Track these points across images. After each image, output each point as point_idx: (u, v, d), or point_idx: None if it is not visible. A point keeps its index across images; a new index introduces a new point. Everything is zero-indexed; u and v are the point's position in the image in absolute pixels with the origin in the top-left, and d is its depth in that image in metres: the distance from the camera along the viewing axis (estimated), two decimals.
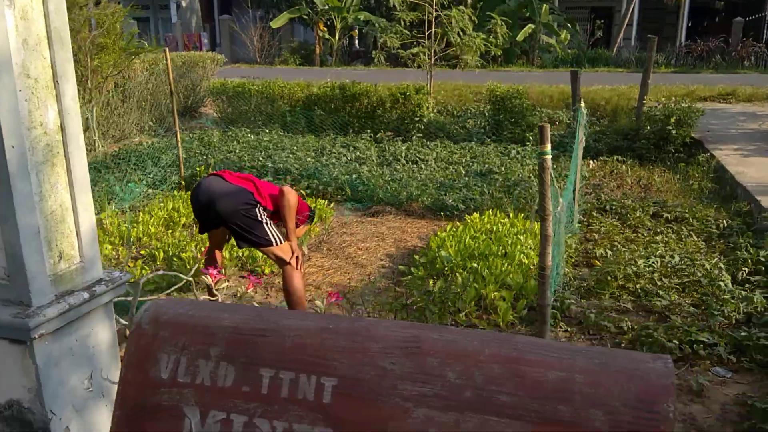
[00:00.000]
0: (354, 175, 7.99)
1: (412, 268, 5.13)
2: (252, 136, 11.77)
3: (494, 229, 5.94)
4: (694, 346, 3.91)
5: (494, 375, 1.14)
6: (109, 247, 5.70)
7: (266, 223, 3.88)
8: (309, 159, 9.46)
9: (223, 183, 3.82)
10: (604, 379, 1.11)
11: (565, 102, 12.67)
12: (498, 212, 6.56)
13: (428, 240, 6.02)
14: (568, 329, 4.28)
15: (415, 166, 9.20)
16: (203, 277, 2.47)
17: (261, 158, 9.45)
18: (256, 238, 3.81)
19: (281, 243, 3.92)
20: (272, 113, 14.35)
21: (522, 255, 5.18)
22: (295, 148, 10.48)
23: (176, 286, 2.65)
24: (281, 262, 3.97)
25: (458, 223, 6.29)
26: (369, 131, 11.86)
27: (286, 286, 3.96)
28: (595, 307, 4.55)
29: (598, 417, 1.08)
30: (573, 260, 5.60)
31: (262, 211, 3.87)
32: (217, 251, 4.31)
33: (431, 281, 4.97)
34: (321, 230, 6.54)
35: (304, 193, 7.72)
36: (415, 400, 1.15)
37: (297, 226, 4.14)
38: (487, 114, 12.19)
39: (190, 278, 2.49)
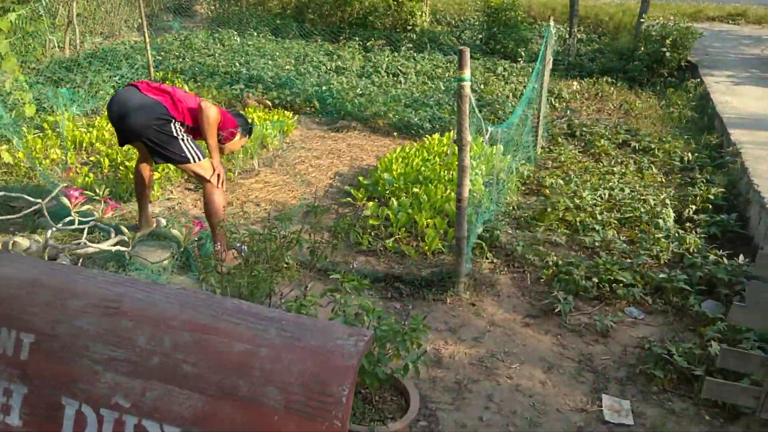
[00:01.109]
0: (324, 87, 7.76)
1: (352, 190, 5.09)
2: (238, 39, 11.37)
3: (449, 152, 5.80)
4: (613, 285, 3.90)
5: (182, 342, 1.12)
6: (59, 151, 5.68)
7: (182, 139, 3.79)
8: (288, 67, 9.17)
9: (137, 95, 3.69)
10: (287, 355, 1.08)
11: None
12: None
13: None
14: (494, 260, 4.28)
15: (394, 79, 8.91)
16: (62, 198, 2.42)
17: (237, 64, 9.18)
18: (171, 155, 3.74)
19: (200, 160, 3.85)
20: (263, 16, 13.82)
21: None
22: (277, 54, 10.14)
23: (27, 211, 2.59)
24: (201, 179, 3.92)
25: (415, 144, 6.16)
26: (359, 39, 11.40)
27: (206, 206, 3.93)
28: (528, 239, 4.52)
29: (273, 395, 1.05)
30: (524, 188, 5.51)
31: (178, 127, 3.77)
32: (145, 164, 4.25)
33: (370, 204, 4.93)
34: (280, 144, 6.45)
35: (270, 104, 7.55)
36: (105, 363, 1.14)
37: (221, 142, 4.05)
38: (480, 27, 11.62)
39: (39, 201, 2.45)
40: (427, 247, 4.29)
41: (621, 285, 3.89)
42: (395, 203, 4.69)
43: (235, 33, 11.95)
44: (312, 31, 12.43)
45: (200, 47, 10.52)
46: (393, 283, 3.96)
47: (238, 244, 4.18)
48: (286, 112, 7.20)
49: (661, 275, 3.92)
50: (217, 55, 9.93)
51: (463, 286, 3.89)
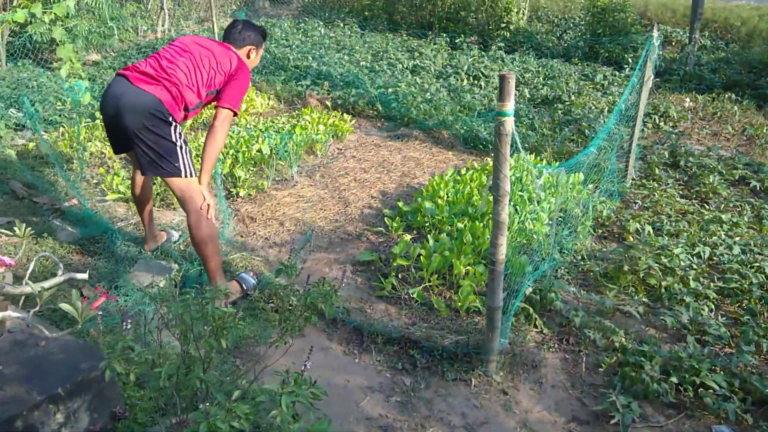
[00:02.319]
0: (390, 89, 7.03)
1: (386, 218, 4.34)
2: (321, 30, 10.88)
3: (515, 178, 4.90)
4: (700, 390, 2.92)
5: None
6: (99, 144, 5.37)
7: (180, 147, 3.19)
8: (363, 63, 8.53)
9: (129, 89, 3.10)
10: None
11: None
12: (534, 155, 5.45)
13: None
14: (544, 331, 3.39)
15: (474, 82, 8.02)
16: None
17: (310, 57, 8.64)
18: (162, 162, 3.12)
19: (192, 176, 3.26)
20: (353, 5, 13.29)
21: (529, 220, 4.19)
22: (357, 48, 9.52)
23: None
24: (185, 203, 3.31)
25: (475, 164, 5.29)
26: (447, 35, 10.55)
27: (195, 235, 3.24)
28: (592, 305, 3.58)
29: None
30: (601, 231, 4.52)
31: (178, 132, 3.17)
32: (146, 179, 3.72)
33: (406, 236, 4.17)
34: (329, 151, 5.81)
35: (330, 104, 6.94)
36: None
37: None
38: (585, 27, 10.38)
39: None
40: (459, 303, 3.48)
41: (711, 392, 2.89)
42: (431, 241, 3.90)
43: (321, 23, 11.47)
44: (400, 24, 11.73)
45: (279, 37, 10.11)
46: (408, 349, 3.20)
47: (248, 274, 3.59)
48: (345, 115, 6.55)
49: None
50: (294, 46, 9.46)
51: (495, 365, 3.06)
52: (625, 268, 3.81)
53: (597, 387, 3.03)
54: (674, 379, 2.95)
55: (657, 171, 5.48)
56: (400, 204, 4.49)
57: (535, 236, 4.06)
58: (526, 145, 5.90)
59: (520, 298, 3.36)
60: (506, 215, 2.72)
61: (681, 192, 5.15)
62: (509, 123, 2.49)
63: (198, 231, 3.23)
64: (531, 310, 3.41)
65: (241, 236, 4.25)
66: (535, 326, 3.41)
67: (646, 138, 6.43)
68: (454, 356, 3.12)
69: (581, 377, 3.09)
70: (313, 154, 5.74)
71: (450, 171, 4.90)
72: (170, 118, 3.10)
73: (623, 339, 3.25)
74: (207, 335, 1.99)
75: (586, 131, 6.10)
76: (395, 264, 3.80)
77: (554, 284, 3.59)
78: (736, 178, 5.49)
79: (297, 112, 6.59)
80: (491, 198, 2.65)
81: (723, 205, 4.93)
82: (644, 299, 3.66)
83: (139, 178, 3.66)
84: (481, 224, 4.06)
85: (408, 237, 4.20)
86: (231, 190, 4.80)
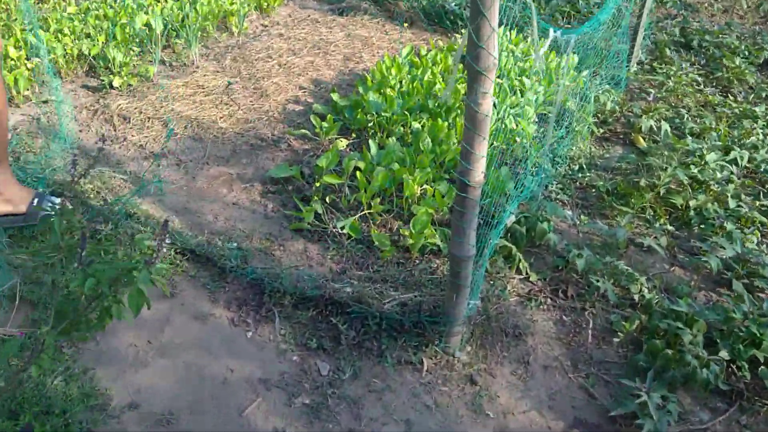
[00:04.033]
0: None
1: (313, 117, 3.12)
2: None
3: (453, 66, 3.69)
4: (761, 369, 1.96)
5: None
6: None
7: None
8: None
9: None
10: None
11: None
12: (512, 30, 4.19)
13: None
14: (532, 279, 2.35)
15: None
16: None
17: None
18: None
19: None
20: None
21: (511, 117, 3.04)
22: None
23: None
24: None
25: (442, 41, 4.02)
26: None
27: None
28: (600, 238, 2.54)
29: None
30: (604, 131, 3.41)
31: None
32: None
33: (339, 142, 2.99)
34: (251, 28, 4.43)
35: None
36: None
37: None
38: None
39: None
40: (411, 241, 2.39)
41: None
42: (373, 148, 2.74)
43: None
44: None
45: None
46: (329, 315, 2.13)
47: (43, 191, 2.44)
48: None
49: None
50: None
51: (459, 338, 2.03)
52: (642, 182, 2.74)
53: (610, 367, 2.04)
54: (725, 354, 1.97)
55: (667, 52, 4.31)
56: (335, 97, 3.25)
57: (518, 139, 2.94)
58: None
59: (499, 233, 2.27)
60: (489, 105, 1.58)
61: (699, 78, 4.02)
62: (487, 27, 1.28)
63: None
64: (513, 248, 2.34)
65: (104, 142, 3.00)
66: (519, 271, 2.37)
67: (652, 12, 5.18)
68: (398, 326, 2.07)
69: (587, 351, 2.09)
70: (227, 31, 4.36)
71: (405, 50, 3.63)
72: None
73: (645, 289, 2.24)
74: None
75: (580, 2, 4.81)
76: (322, 182, 2.65)
77: (546, 208, 2.51)
78: (762, 61, 4.38)
79: None
80: (461, 83, 1.47)
81: (753, 95, 3.84)
82: (668, 226, 2.63)
83: None
84: (445, 123, 2.90)
85: (343, 142, 3.02)
86: (102, 78, 3.47)
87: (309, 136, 3.09)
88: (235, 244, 2.44)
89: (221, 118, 3.26)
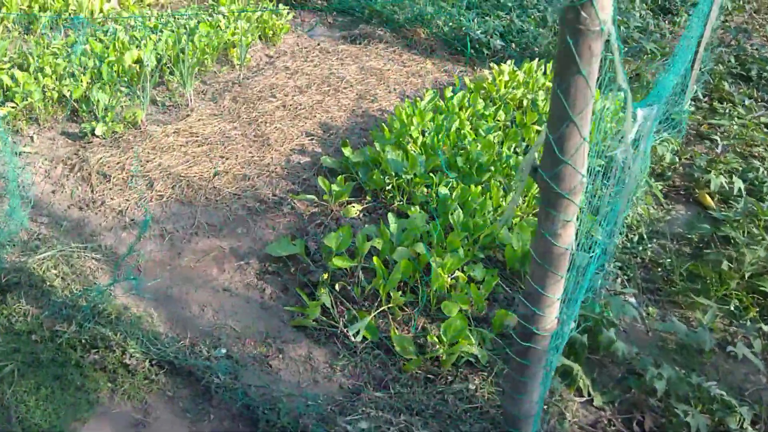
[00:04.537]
0: None
1: (321, 179, 2.65)
2: None
3: (529, 101, 3.22)
4: None
5: None
6: None
7: None
8: None
9: None
10: None
11: None
12: (551, 63, 3.71)
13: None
14: (597, 403, 1.85)
15: None
16: None
17: None
18: None
19: None
20: None
21: None
22: None
23: None
24: None
25: (466, 80, 3.55)
26: None
27: None
28: (672, 339, 2.04)
29: None
30: (661, 186, 2.91)
31: None
32: None
33: (351, 208, 2.53)
34: (255, 61, 4.00)
35: None
36: None
37: None
38: None
39: None
40: (442, 351, 1.91)
41: None
42: (393, 223, 2.27)
43: None
44: None
45: None
46: None
47: None
48: (282, 5, 4.65)
49: None
50: None
51: None
52: (724, 265, 2.24)
53: None
54: None
55: (725, 85, 3.80)
56: (347, 151, 2.78)
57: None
58: (535, 48, 4.14)
59: (559, 350, 1.78)
60: (571, 236, 1.11)
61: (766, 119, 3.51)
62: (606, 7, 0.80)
63: None
64: (575, 367, 1.85)
65: (80, 207, 2.56)
66: (579, 391, 1.87)
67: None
68: None
69: None
70: (227, 63, 3.93)
71: (428, 95, 3.15)
72: None
73: (746, 422, 1.74)
74: None
75: (631, 42, 4.31)
76: (331, 265, 2.18)
77: (611, 307, 2.01)
78: None
79: (212, 1, 4.67)
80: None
81: None
82: (762, 325, 2.12)
83: None
84: (479, 188, 2.42)
85: (356, 209, 2.55)
86: (83, 124, 3.03)
87: (316, 201, 2.62)
88: (224, 351, 1.97)
89: (207, 172, 2.80)
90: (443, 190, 2.45)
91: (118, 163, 2.82)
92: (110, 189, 2.67)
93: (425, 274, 2.20)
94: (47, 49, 3.53)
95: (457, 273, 2.14)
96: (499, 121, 3.12)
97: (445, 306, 2.01)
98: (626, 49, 4.08)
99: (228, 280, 2.29)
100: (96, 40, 3.61)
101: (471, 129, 2.95)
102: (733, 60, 4.16)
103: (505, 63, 3.68)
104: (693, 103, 3.62)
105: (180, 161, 2.87)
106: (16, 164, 2.35)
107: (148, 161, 2.84)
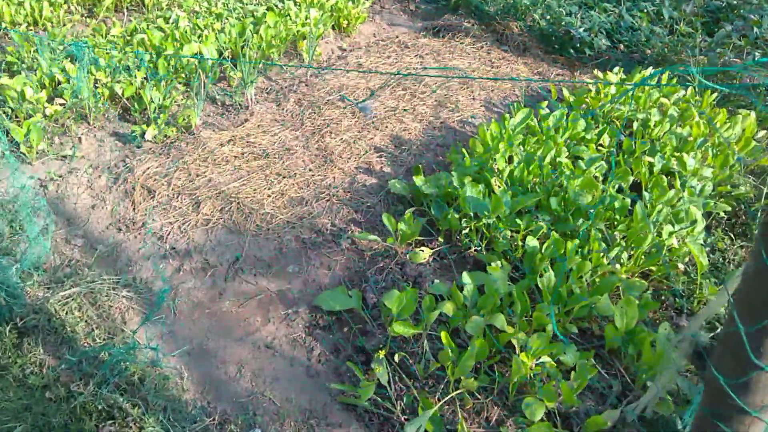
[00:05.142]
0: None
1: (386, 216, 2.26)
2: None
3: (639, 123, 2.71)
4: None
5: None
6: None
7: None
8: None
9: None
10: None
11: None
12: (667, 74, 3.14)
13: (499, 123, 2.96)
14: None
15: None
16: None
17: None
18: None
19: None
20: None
21: (673, 233, 2.08)
22: None
23: None
24: None
25: (565, 92, 3.04)
26: None
27: None
28: None
29: None
30: None
31: None
32: None
33: (420, 253, 2.15)
34: (326, 53, 3.65)
35: None
36: None
37: None
38: None
39: None
40: None
41: None
42: (469, 283, 1.88)
43: None
44: None
45: None
46: None
47: None
48: None
49: None
50: None
51: None
52: None
53: None
54: None
55: None
56: (419, 181, 2.38)
57: (680, 266, 1.98)
58: (635, 49, 3.55)
59: None
60: None
61: None
62: None
63: None
64: None
65: (119, 228, 2.31)
66: None
67: None
68: None
69: None
70: (297, 56, 3.59)
71: (520, 114, 2.68)
72: None
73: None
74: None
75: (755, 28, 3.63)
76: (391, 331, 1.82)
77: None
78: None
79: None
80: None
81: None
82: None
83: None
84: (575, 242, 1.98)
85: (425, 253, 2.17)
86: (134, 127, 2.78)
87: (378, 240, 2.25)
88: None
89: (269, 196, 2.49)
90: (532, 242, 2.02)
91: (165, 176, 2.55)
92: (153, 207, 2.40)
93: (504, 352, 1.80)
94: (104, 37, 3.30)
95: (544, 359, 1.73)
96: (602, 147, 2.63)
97: (527, 406, 1.61)
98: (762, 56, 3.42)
99: (272, 333, 1.97)
100: (155, 28, 3.35)
101: (568, 157, 2.49)
102: None
103: (611, 70, 3.14)
104: None
105: (232, 177, 2.57)
106: (27, 189, 2.10)
107: (197, 175, 2.56)
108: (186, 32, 3.28)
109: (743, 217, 2.51)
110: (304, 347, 1.94)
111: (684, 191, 2.34)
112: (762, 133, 2.84)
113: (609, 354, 1.90)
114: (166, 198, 2.45)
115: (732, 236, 2.40)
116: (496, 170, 2.35)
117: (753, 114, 2.86)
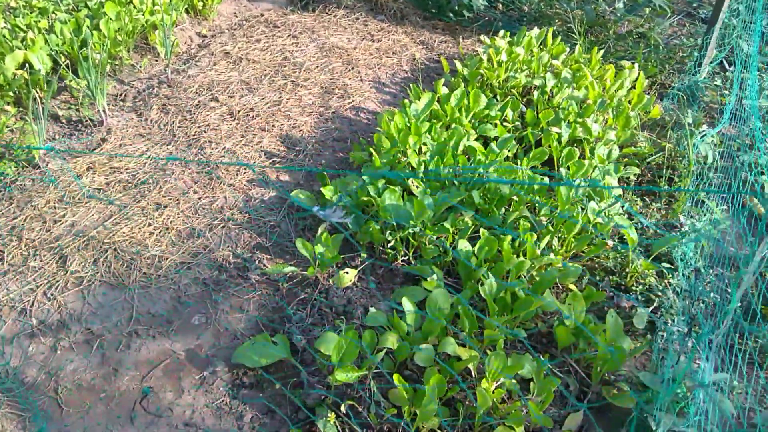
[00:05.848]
0: None
1: (299, 241, 1.98)
2: None
3: (538, 90, 2.61)
4: None
5: None
6: None
7: None
8: None
9: None
10: None
11: None
12: (556, 34, 3.06)
13: (396, 104, 2.73)
14: None
15: None
16: None
17: None
18: None
19: None
20: None
21: (600, 211, 2.00)
22: None
23: None
24: None
25: (457, 64, 2.86)
26: None
27: None
28: None
29: None
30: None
31: None
32: None
33: (344, 276, 1.91)
34: (184, 45, 3.18)
35: None
36: None
37: None
38: None
39: None
40: None
41: None
42: (410, 310, 1.67)
43: None
44: None
45: None
46: None
47: None
48: None
49: None
50: None
51: None
52: None
53: None
54: None
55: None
56: (327, 193, 2.10)
57: (609, 242, 1.92)
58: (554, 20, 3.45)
59: None
60: None
61: None
62: None
63: None
64: None
65: None
66: None
67: None
68: None
69: None
70: (150, 51, 3.10)
71: (424, 98, 2.45)
72: None
73: None
74: None
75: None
76: (332, 380, 1.58)
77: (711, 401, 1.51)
78: None
79: None
80: None
81: None
82: None
83: None
84: (508, 238, 1.83)
85: (350, 275, 1.93)
86: None
87: (297, 272, 1.97)
88: None
89: (152, 234, 2.10)
90: (464, 246, 1.85)
91: (12, 228, 2.07)
92: (5, 273, 1.93)
93: (462, 379, 1.63)
94: None
95: (503, 380, 1.58)
96: (507, 122, 2.50)
97: None
98: (630, 4, 3.45)
99: (190, 406, 1.66)
100: None
101: (477, 139, 2.33)
102: None
103: (495, 33, 3.01)
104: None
105: (101, 217, 2.14)
106: None
107: (55, 221, 2.10)
108: (5, 37, 2.68)
109: (648, 175, 2.53)
110: (233, 414, 1.65)
111: (594, 158, 2.29)
112: (646, 83, 2.87)
113: (561, 352, 1.81)
114: (19, 258, 1.98)
115: (645, 198, 2.40)
116: (411, 163, 2.13)
117: (636, 66, 2.88)
